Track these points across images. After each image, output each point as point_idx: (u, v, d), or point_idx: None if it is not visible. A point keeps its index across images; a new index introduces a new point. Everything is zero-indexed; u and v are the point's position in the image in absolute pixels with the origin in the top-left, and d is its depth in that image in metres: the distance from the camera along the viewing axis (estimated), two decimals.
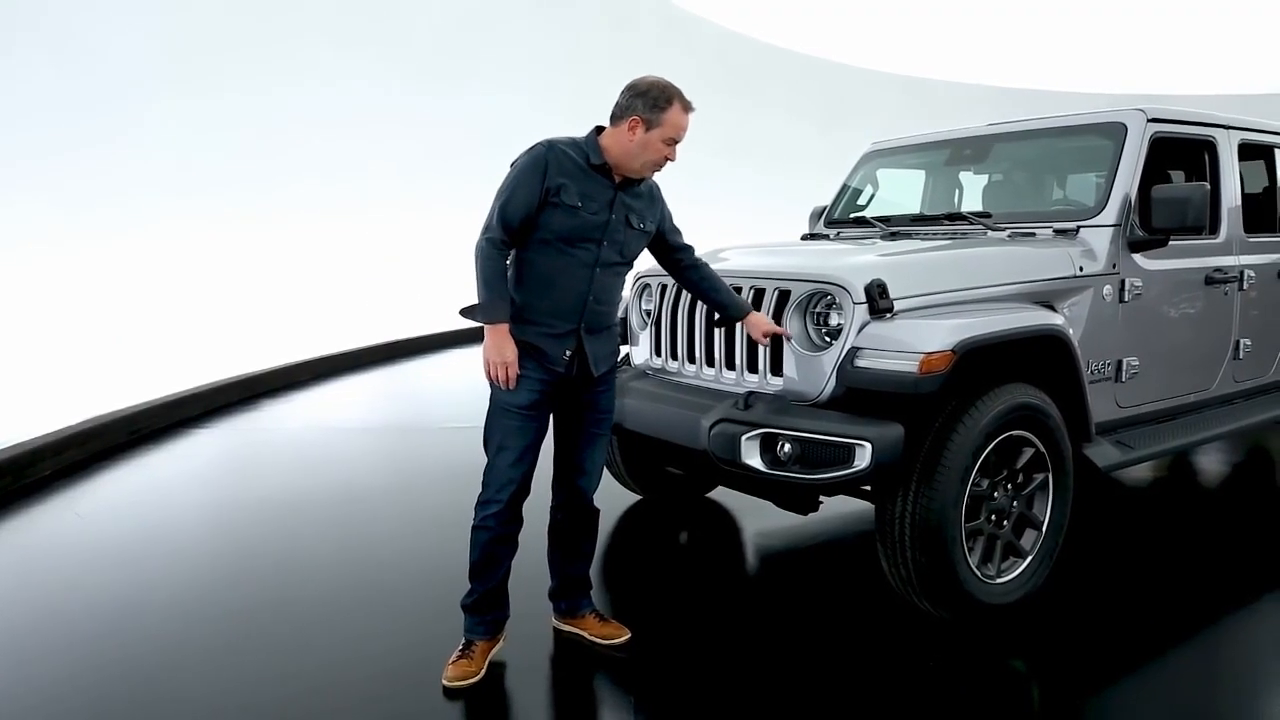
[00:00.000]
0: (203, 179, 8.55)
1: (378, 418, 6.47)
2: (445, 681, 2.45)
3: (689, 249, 2.73)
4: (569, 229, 2.35)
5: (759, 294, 2.92)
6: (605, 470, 3.89)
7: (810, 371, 2.75)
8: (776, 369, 2.87)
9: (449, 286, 10.47)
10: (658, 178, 2.58)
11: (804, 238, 4.32)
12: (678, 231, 2.71)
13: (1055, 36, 15.77)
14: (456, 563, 2.92)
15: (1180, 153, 3.69)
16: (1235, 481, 4.72)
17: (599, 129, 2.45)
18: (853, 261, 2.92)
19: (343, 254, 9.60)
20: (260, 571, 3.36)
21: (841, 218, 4.31)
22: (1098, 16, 15.05)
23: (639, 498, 4.10)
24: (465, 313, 2.45)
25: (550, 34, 12.02)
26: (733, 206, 13.49)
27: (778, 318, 2.85)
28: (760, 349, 2.90)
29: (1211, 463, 4.93)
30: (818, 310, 2.80)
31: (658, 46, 13.14)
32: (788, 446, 2.58)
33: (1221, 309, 3.70)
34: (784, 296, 2.85)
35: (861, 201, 4.37)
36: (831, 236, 4.16)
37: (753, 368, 2.95)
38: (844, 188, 4.48)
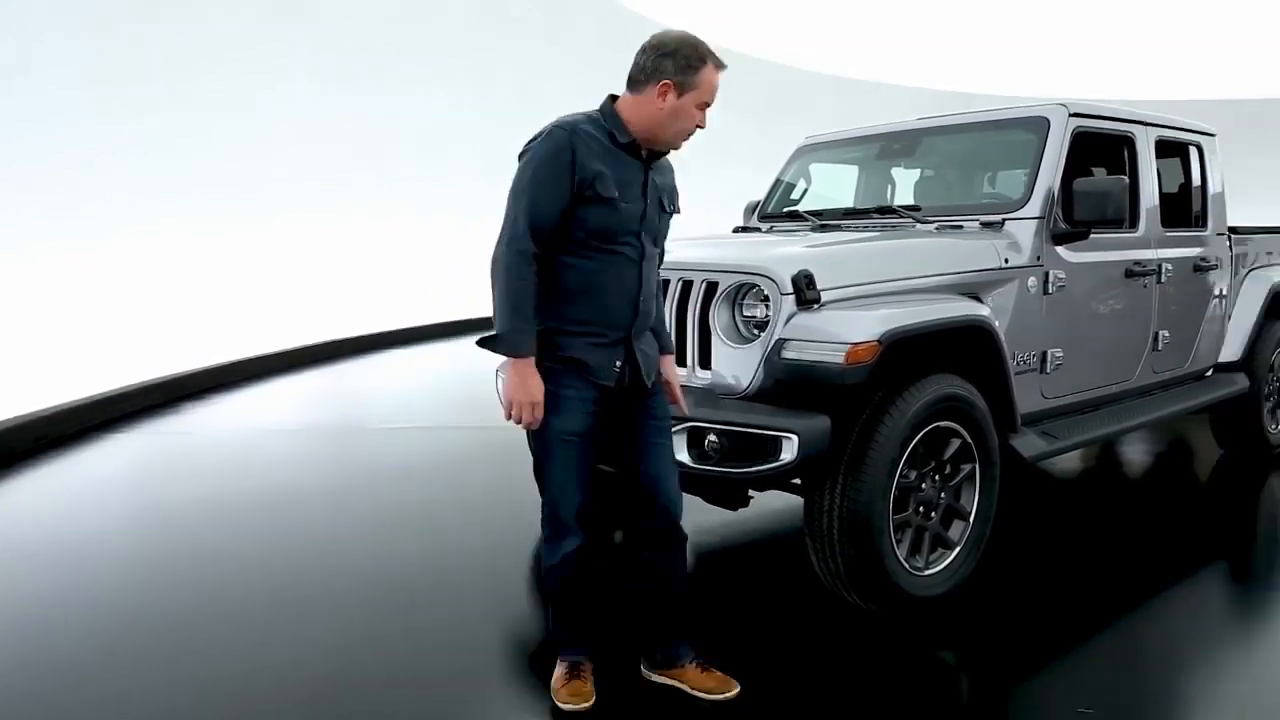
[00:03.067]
0: (124, 185, 8.18)
1: (311, 419, 6.26)
2: (563, 705, 2.21)
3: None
4: (608, 225, 2.03)
5: (687, 286, 2.87)
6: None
7: (738, 364, 2.71)
8: (705, 362, 2.82)
9: (384, 285, 10.21)
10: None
11: (735, 231, 4.30)
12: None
13: (990, 40, 16.20)
14: (393, 563, 2.85)
15: (1101, 148, 3.76)
16: (1154, 471, 4.85)
17: (613, 98, 2.12)
18: (780, 252, 2.88)
19: (275, 256, 9.28)
20: (182, 577, 3.21)
21: (775, 212, 4.30)
22: (1035, 21, 15.50)
23: None
24: (485, 343, 2.06)
25: (485, 30, 11.81)
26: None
27: (705, 310, 2.81)
28: (689, 342, 2.85)
29: (1133, 452, 5.06)
30: (745, 302, 2.75)
31: (597, 45, 13.06)
32: (715, 440, 2.53)
33: (1141, 301, 3.78)
34: (711, 288, 2.80)
35: (794, 196, 4.36)
36: (763, 230, 4.13)
37: (681, 361, 2.89)
38: (777, 182, 4.46)
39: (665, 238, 2.25)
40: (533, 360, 2.03)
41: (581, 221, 2.02)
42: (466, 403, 6.41)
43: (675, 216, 2.26)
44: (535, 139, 2.07)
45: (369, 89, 10.25)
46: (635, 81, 2.09)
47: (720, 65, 2.09)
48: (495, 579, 3.19)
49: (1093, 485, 4.54)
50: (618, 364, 2.12)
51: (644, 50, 2.09)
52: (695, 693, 2.28)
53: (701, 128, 2.12)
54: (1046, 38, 15.74)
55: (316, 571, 3.25)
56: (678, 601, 2.33)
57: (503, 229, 2.04)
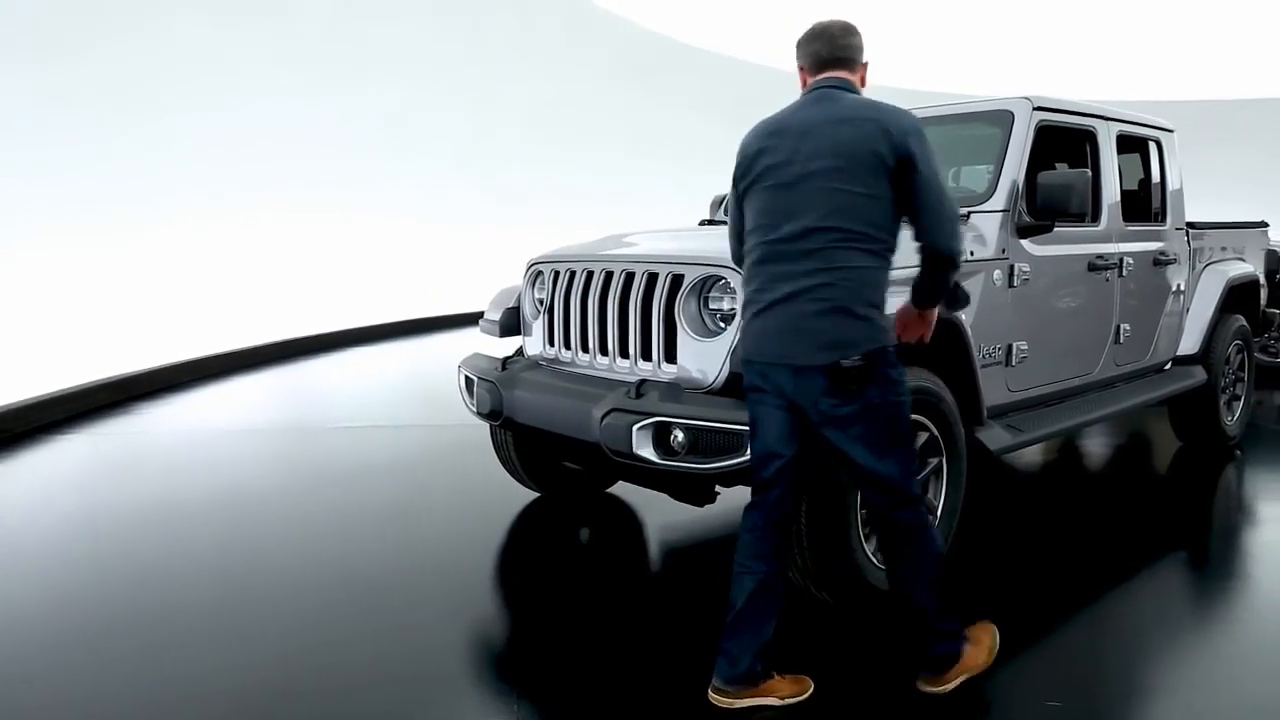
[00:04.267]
0: (80, 188, 7.92)
1: (269, 418, 6.10)
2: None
3: None
4: None
5: (651, 279, 2.82)
6: (501, 466, 3.80)
7: (704, 358, 2.66)
8: (670, 356, 2.77)
9: (346, 283, 10.01)
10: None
11: (702, 224, 4.26)
12: None
13: (962, 40, 16.33)
14: (353, 565, 2.77)
15: (1063, 142, 3.77)
16: (1114, 463, 4.90)
17: (840, 82, 2.16)
18: None
19: (233, 255, 9.04)
20: (133, 582, 3.10)
21: None
22: (1005, 21, 15.63)
23: (537, 495, 3.94)
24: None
25: (451, 25, 11.63)
26: (643, 203, 13.43)
27: (670, 303, 2.75)
28: (653, 336, 2.79)
29: (1092, 445, 5.11)
30: (711, 294, 2.71)
31: (565, 42, 12.95)
32: (680, 435, 2.48)
33: (1103, 295, 3.80)
34: (677, 281, 2.75)
35: None
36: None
37: (646, 355, 2.85)
38: None
39: None
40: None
41: None
42: (428, 400, 6.30)
43: None
44: (919, 123, 2.08)
45: (334, 88, 10.04)
46: (853, 62, 2.20)
47: None
48: (458, 580, 3.11)
49: (1053, 478, 4.57)
50: None
51: (843, 32, 2.19)
52: (784, 700, 2.20)
53: None
54: (1018, 38, 15.92)
55: (274, 574, 3.16)
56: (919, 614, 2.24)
57: (955, 215, 2.07)
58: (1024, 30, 16.00)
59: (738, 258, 2.27)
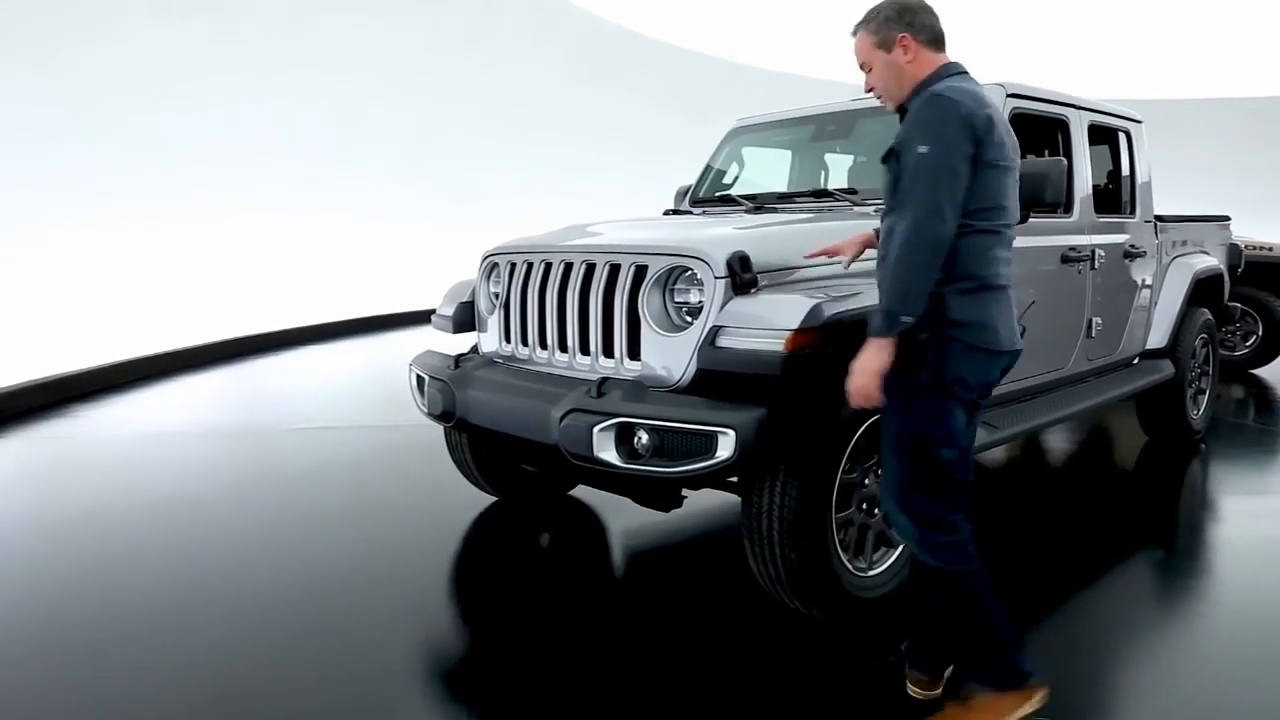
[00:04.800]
0: (19, 187, 7.53)
1: (215, 420, 5.80)
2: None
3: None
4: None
5: (614, 270, 2.65)
6: (456, 469, 3.61)
7: (669, 354, 2.51)
8: (634, 352, 2.61)
9: (296, 281, 9.69)
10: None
11: (666, 213, 4.10)
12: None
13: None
14: (301, 573, 2.58)
15: (1036, 131, 3.68)
16: (1082, 458, 4.86)
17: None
18: (713, 233, 2.70)
19: (181, 252, 8.66)
20: (69, 592, 2.90)
21: (706, 196, 4.11)
22: (973, 18, 15.63)
23: (495, 499, 3.76)
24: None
25: (406, 17, 11.30)
26: (604, 197, 13.23)
27: (634, 296, 2.59)
28: (616, 331, 2.63)
29: (1060, 440, 5.06)
30: (676, 286, 2.55)
31: (524, 37, 12.69)
32: (645, 437, 2.32)
33: (1076, 288, 3.72)
34: (640, 272, 2.59)
35: (726, 180, 4.18)
36: (696, 213, 3.94)
37: (608, 352, 2.68)
38: (708, 166, 4.28)
39: (893, 195, 1.98)
40: None
41: None
42: (385, 400, 6.05)
43: (895, 172, 1.98)
44: None
45: (286, 83, 9.66)
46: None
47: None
48: (413, 588, 2.93)
49: (1022, 474, 4.50)
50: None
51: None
52: None
53: (866, 91, 2.14)
54: (988, 34, 15.97)
55: (219, 584, 2.97)
56: (941, 632, 2.13)
57: None
58: (996, 25, 16.09)
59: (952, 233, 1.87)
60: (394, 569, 3.10)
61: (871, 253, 2.52)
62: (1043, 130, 3.67)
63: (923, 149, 1.85)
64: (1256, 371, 7.40)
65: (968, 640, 2.05)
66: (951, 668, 2.17)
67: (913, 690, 2.17)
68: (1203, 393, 4.95)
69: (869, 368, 1.87)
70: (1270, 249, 7.35)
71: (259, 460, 4.67)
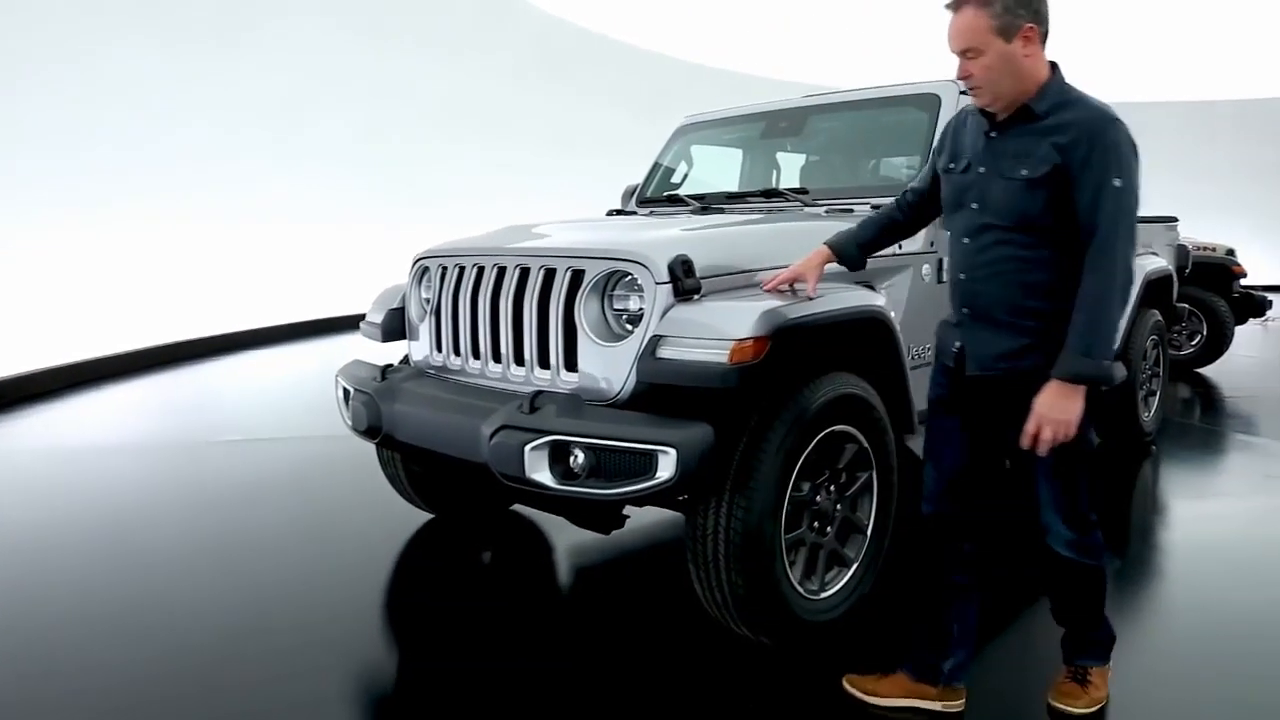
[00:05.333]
0: None
1: (145, 432, 5.45)
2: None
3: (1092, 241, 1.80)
4: (946, 197, 2.07)
5: (549, 275, 2.47)
6: (390, 485, 3.40)
7: (607, 365, 2.33)
8: (571, 363, 2.43)
9: (234, 283, 9.28)
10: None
11: (610, 214, 3.93)
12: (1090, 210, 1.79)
13: (879, 39, 16.34)
14: (230, 599, 2.60)
15: None
16: None
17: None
18: (654, 236, 2.53)
19: (108, 254, 8.19)
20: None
21: (654, 195, 3.95)
22: (922, 20, 15.68)
23: (431, 516, 3.55)
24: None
25: (347, 11, 10.88)
26: (557, 196, 12.99)
27: (570, 302, 2.41)
28: (552, 340, 2.45)
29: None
30: (615, 292, 2.38)
31: (474, 33, 12.38)
32: (580, 456, 2.14)
33: None
34: (577, 277, 2.41)
35: (675, 179, 4.03)
36: (641, 214, 3.78)
37: (544, 363, 2.50)
38: (656, 165, 4.12)
39: (1016, 212, 1.87)
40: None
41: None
42: (329, 409, 5.74)
43: (1047, 194, 1.84)
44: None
45: (221, 80, 9.20)
46: None
47: (947, 8, 1.87)
48: (342, 612, 2.73)
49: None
50: (955, 345, 2.04)
51: None
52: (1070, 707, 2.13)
53: (959, 78, 1.89)
54: (934, 36, 16.04)
55: (144, 604, 2.79)
56: (1072, 625, 2.17)
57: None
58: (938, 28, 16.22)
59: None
60: (327, 593, 2.89)
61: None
62: None
63: (1118, 182, 1.76)
64: (1202, 371, 7.49)
65: (1094, 624, 2.15)
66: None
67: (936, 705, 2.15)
68: (1153, 394, 4.93)
69: (1074, 417, 1.80)
70: (1213, 249, 7.45)
71: (184, 476, 4.39)
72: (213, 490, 4.11)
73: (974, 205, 1.95)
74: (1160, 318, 4.86)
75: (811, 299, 2.29)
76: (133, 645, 2.51)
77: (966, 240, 1.98)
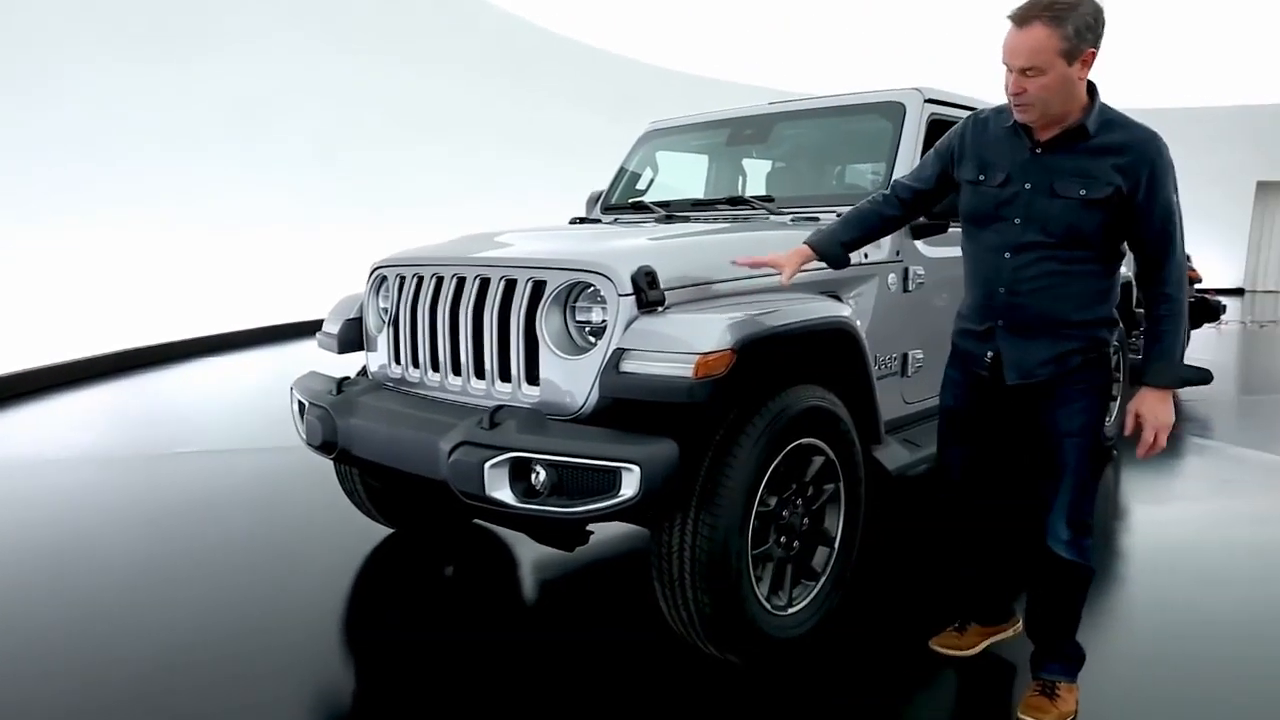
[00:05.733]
0: None
1: (97, 443, 5.25)
2: None
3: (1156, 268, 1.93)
4: (970, 209, 2.09)
5: (510, 286, 2.41)
6: (348, 499, 3.31)
7: (570, 378, 2.27)
8: (532, 377, 2.37)
9: (203, 289, 9.04)
10: None
11: (573, 222, 3.87)
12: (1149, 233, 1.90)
13: (841, 45, 16.43)
14: (180, 620, 2.55)
15: None
16: None
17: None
18: (618, 246, 2.48)
19: (58, 257, 7.92)
20: None
21: (619, 203, 3.90)
22: (884, 26, 15.78)
23: (391, 531, 3.46)
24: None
25: (306, 8, 10.65)
26: (518, 200, 12.87)
27: (532, 314, 2.35)
28: (513, 353, 2.38)
29: None
30: (578, 304, 2.32)
31: (432, 29, 12.21)
32: (542, 474, 2.08)
33: None
34: (539, 288, 2.35)
35: (640, 186, 3.98)
36: (605, 222, 3.73)
37: (505, 376, 2.43)
38: (621, 171, 4.07)
39: (1071, 230, 1.93)
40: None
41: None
42: (275, 420, 5.56)
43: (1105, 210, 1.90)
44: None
45: (172, 78, 8.95)
46: None
47: (1011, 20, 1.84)
48: (300, 638, 2.62)
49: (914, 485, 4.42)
50: (988, 355, 2.08)
51: None
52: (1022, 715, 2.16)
53: (1011, 93, 1.88)
54: (897, 42, 16.17)
55: (92, 622, 2.68)
56: (1046, 621, 2.21)
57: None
58: (904, 34, 16.34)
59: None
60: (286, 615, 2.79)
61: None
62: None
63: (1175, 198, 1.88)
64: None
65: (1069, 630, 2.19)
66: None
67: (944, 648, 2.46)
68: (1114, 399, 4.98)
69: (1173, 419, 1.94)
70: None
71: (135, 490, 4.24)
72: (169, 504, 3.96)
73: (1016, 220, 1.98)
74: (1120, 324, 4.90)
75: (784, 288, 2.38)
76: (75, 669, 2.40)
77: (1008, 255, 2.00)
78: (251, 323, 9.51)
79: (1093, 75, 1.88)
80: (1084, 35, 1.79)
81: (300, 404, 2.85)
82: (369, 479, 3.12)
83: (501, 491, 2.11)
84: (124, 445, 5.19)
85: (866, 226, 2.36)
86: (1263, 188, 20.05)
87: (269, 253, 9.80)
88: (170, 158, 8.86)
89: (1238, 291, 19.52)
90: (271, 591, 2.98)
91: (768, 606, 2.32)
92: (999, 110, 2.06)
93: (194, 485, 4.28)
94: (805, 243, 2.36)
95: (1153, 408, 1.93)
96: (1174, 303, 1.90)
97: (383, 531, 3.45)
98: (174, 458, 4.79)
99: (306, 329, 10.14)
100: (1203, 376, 1.96)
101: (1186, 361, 2.10)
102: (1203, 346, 9.05)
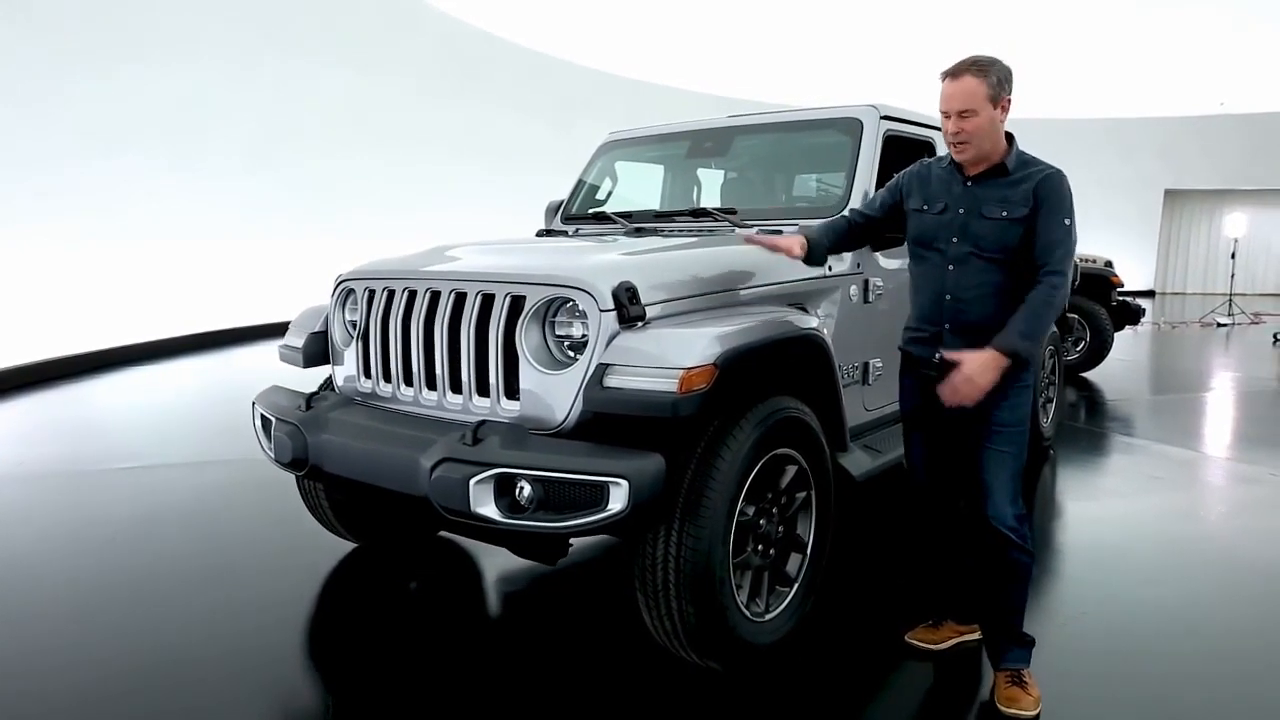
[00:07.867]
0: None
1: (26, 457, 4.99)
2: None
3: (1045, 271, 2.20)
4: (917, 233, 2.40)
5: (488, 301, 2.41)
6: (310, 514, 3.25)
7: (551, 393, 2.29)
8: (511, 391, 2.37)
9: (139, 293, 8.66)
10: None
11: (539, 234, 3.87)
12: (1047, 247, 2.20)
13: (793, 54, 16.65)
14: (128, 646, 2.42)
15: (903, 154, 3.72)
16: None
17: None
18: (596, 261, 2.50)
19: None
20: None
21: (580, 213, 3.92)
22: (836, 32, 16.04)
23: (354, 545, 3.40)
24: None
25: (247, 11, 10.33)
26: (464, 208, 12.73)
27: (510, 328, 2.36)
28: (492, 367, 2.38)
29: None
30: (557, 319, 2.34)
31: (379, 36, 12.00)
32: (528, 489, 2.09)
33: None
34: (517, 303, 2.36)
35: (600, 196, 4.01)
36: (570, 233, 3.74)
37: (483, 390, 2.43)
38: (580, 181, 4.09)
39: (1001, 245, 2.26)
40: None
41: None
42: (233, 429, 5.42)
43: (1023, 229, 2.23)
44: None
45: (105, 76, 8.57)
46: None
47: (947, 75, 2.25)
48: (261, 660, 2.56)
49: (884, 490, 4.57)
50: (937, 356, 2.31)
51: None
52: (998, 704, 2.28)
53: (950, 134, 2.25)
54: (850, 51, 16.46)
55: (32, 653, 2.54)
56: (1002, 607, 2.36)
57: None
58: (860, 42, 16.62)
59: None
60: (243, 638, 2.71)
61: (765, 275, 2.44)
62: (912, 152, 3.70)
63: (1067, 222, 2.20)
64: (1085, 375, 8.01)
65: (1019, 609, 2.35)
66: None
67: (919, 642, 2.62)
68: (1050, 401, 5.22)
69: (989, 378, 2.14)
70: (1093, 261, 7.98)
71: (77, 507, 4.05)
72: (104, 523, 3.79)
73: (954, 239, 2.30)
74: (1055, 329, 5.15)
75: (753, 300, 2.62)
76: (12, 691, 2.29)
77: (951, 268, 2.31)
78: (175, 330, 9.16)
79: (1018, 91, 2.26)
80: (1003, 85, 2.21)
81: (265, 419, 2.79)
82: (334, 492, 3.07)
83: (487, 507, 2.11)
84: (53, 461, 4.94)
85: (839, 238, 2.59)
86: (1170, 195, 21.21)
87: (195, 261, 9.47)
88: (92, 164, 8.48)
89: (1149, 293, 20.60)
90: (225, 612, 2.89)
91: (747, 614, 2.38)
92: (939, 159, 2.43)
93: (131, 502, 4.10)
94: (804, 234, 2.53)
95: (976, 361, 2.15)
96: (1044, 291, 2.16)
97: (344, 546, 3.39)
98: (108, 473, 4.60)
99: (240, 336, 9.85)
100: (1032, 354, 2.22)
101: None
102: (1122, 348, 9.53)
